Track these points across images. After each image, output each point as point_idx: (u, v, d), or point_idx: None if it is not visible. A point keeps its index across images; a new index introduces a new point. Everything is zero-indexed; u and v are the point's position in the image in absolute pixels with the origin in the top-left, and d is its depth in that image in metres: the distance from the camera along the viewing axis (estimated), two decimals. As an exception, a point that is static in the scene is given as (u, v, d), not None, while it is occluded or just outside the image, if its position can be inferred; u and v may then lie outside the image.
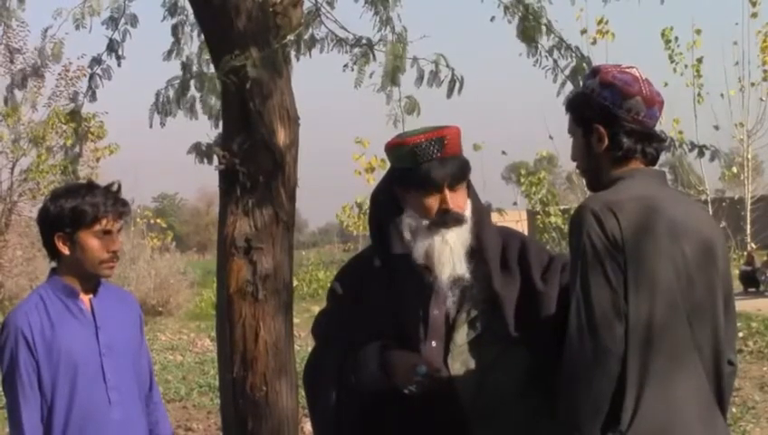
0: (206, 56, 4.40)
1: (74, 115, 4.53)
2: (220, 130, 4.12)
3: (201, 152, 3.89)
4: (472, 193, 2.51)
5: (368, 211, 2.66)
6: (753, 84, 19.38)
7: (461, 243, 2.40)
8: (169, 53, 4.51)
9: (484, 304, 2.40)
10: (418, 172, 2.39)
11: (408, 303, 2.43)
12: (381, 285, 2.46)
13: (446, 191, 2.39)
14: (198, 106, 4.23)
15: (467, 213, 2.44)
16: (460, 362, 2.38)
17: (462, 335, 2.40)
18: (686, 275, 2.21)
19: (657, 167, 2.41)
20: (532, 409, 2.35)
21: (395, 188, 2.48)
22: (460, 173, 2.42)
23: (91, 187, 2.96)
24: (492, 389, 2.36)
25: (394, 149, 2.46)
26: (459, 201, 2.42)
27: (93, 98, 4.45)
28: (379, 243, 2.53)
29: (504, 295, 2.39)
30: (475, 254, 2.44)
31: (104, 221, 2.88)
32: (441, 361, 2.39)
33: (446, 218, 2.40)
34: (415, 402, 2.36)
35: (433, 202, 2.40)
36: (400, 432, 2.40)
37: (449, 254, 2.39)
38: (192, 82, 3.94)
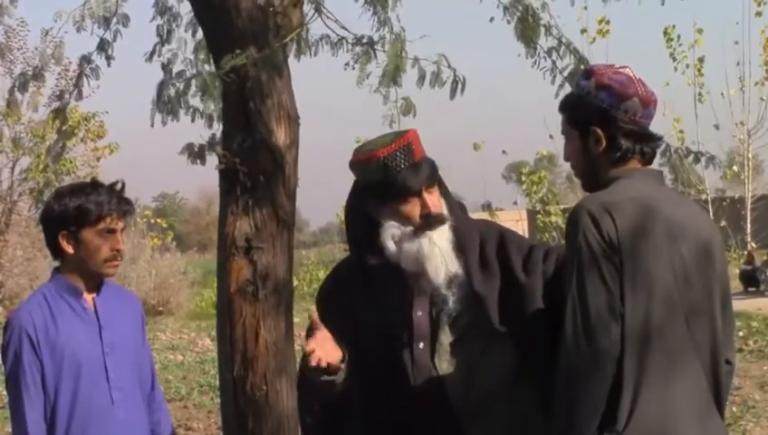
0: (202, 55, 4.40)
1: (59, 113, 4.53)
2: (213, 130, 4.12)
3: (194, 153, 3.89)
4: (444, 190, 2.51)
5: (344, 227, 2.66)
6: (756, 84, 19.35)
7: (447, 241, 2.41)
8: (151, 54, 4.48)
9: (466, 301, 2.41)
10: (395, 182, 2.38)
11: (392, 307, 2.44)
12: (365, 291, 2.47)
13: (425, 195, 2.40)
14: (184, 105, 4.22)
15: (446, 211, 2.45)
16: (447, 361, 2.39)
17: (447, 334, 2.40)
18: (684, 275, 2.21)
19: (657, 166, 2.42)
20: (522, 404, 2.35)
21: (366, 203, 2.46)
22: (432, 175, 2.43)
23: (95, 185, 2.97)
24: (480, 386, 2.36)
25: (364, 164, 2.43)
26: (436, 202, 2.43)
27: (80, 96, 4.45)
28: (357, 257, 2.53)
29: (485, 292, 2.39)
30: (455, 251, 2.44)
31: (108, 220, 2.89)
32: (429, 361, 2.39)
33: (430, 221, 2.40)
34: (404, 403, 2.37)
35: (412, 208, 2.40)
36: (391, 433, 2.41)
37: (440, 254, 2.39)
38: (180, 83, 3.92)
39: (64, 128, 4.57)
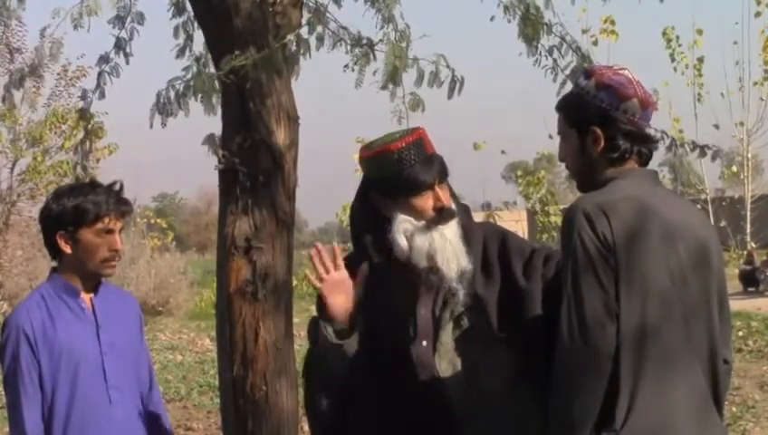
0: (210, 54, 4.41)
1: (84, 113, 4.53)
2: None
3: (214, 144, 3.87)
4: (451, 190, 2.53)
5: (349, 227, 2.66)
6: (755, 84, 19.38)
7: (457, 236, 2.43)
8: (182, 50, 4.52)
9: (467, 302, 2.41)
10: (410, 175, 2.40)
11: (397, 304, 2.44)
12: (367, 288, 2.47)
13: (437, 189, 2.43)
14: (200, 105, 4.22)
15: (454, 206, 2.48)
16: (447, 360, 2.40)
17: (448, 334, 2.41)
18: (681, 275, 2.21)
19: (659, 164, 2.42)
20: (520, 406, 2.36)
21: (375, 200, 2.48)
22: (444, 169, 2.47)
23: (93, 185, 2.98)
24: (478, 387, 2.37)
25: (377, 158, 2.44)
26: (447, 196, 2.46)
27: (102, 96, 4.46)
28: (363, 255, 2.53)
29: (486, 294, 2.40)
30: (464, 246, 2.45)
31: (106, 220, 2.89)
32: (431, 360, 2.40)
33: (443, 215, 2.42)
34: (403, 400, 2.37)
35: (425, 202, 2.42)
36: (389, 431, 2.41)
37: (451, 249, 2.40)
38: (192, 82, 3.92)
39: (89, 127, 4.58)
